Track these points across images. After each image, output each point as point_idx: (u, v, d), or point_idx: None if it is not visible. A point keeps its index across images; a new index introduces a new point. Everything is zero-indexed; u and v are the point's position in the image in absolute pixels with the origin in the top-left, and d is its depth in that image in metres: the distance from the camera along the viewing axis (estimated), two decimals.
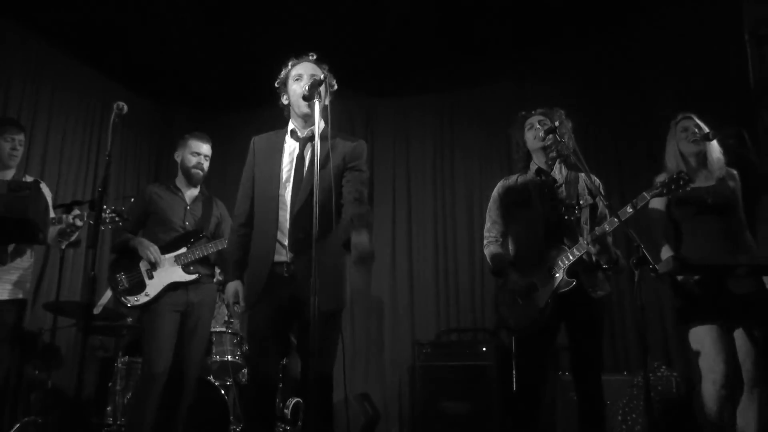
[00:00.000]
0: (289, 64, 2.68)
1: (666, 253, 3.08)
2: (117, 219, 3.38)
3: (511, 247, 3.19)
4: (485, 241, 3.24)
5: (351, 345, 5.59)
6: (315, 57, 2.66)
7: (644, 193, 2.79)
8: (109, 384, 4.18)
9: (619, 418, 3.88)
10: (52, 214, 3.51)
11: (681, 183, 2.75)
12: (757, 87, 3.94)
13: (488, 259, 3.22)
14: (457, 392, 4.48)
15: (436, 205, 5.81)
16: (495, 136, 5.48)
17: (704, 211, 3.02)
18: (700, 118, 3.17)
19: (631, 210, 2.77)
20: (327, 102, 2.52)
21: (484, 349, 4.57)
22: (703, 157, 3.12)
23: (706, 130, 3.10)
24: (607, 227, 2.79)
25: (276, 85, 2.72)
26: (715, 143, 3.12)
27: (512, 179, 3.22)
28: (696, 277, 2.91)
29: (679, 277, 2.95)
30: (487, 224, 3.25)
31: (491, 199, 3.27)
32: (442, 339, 5.15)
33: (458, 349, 4.70)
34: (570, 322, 2.94)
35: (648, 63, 5.08)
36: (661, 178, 3.03)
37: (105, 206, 3.15)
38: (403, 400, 5.29)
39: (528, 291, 2.94)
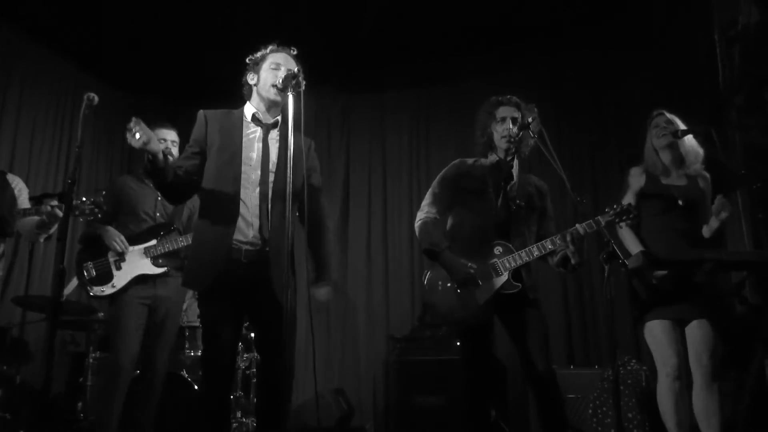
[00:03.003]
0: (269, 48, 2.63)
1: (632, 244, 3.11)
2: (96, 210, 3.29)
3: (448, 231, 3.05)
4: (422, 215, 3.04)
5: (326, 340, 5.60)
6: (296, 53, 2.64)
7: (599, 217, 2.77)
8: (80, 379, 4.12)
9: (590, 411, 3.93)
10: (27, 205, 3.41)
11: (629, 216, 2.76)
12: (726, 87, 4.01)
13: (420, 234, 3.02)
14: (431, 387, 4.50)
15: (411, 201, 5.81)
16: (471, 131, 5.49)
17: (672, 208, 3.07)
18: (672, 113, 3.21)
19: (584, 231, 2.74)
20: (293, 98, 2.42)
21: (458, 344, 4.59)
22: (676, 152, 3.17)
23: (678, 124, 3.15)
24: (581, 230, 2.73)
25: (247, 60, 2.65)
26: (691, 138, 3.16)
27: (469, 163, 3.07)
28: (662, 273, 2.95)
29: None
30: (429, 199, 3.07)
31: (441, 176, 3.09)
32: (416, 334, 5.17)
33: (432, 344, 4.72)
34: (509, 323, 2.86)
35: (620, 61, 5.15)
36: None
37: (84, 198, 3.08)
38: (378, 395, 5.31)
39: (470, 281, 2.83)
